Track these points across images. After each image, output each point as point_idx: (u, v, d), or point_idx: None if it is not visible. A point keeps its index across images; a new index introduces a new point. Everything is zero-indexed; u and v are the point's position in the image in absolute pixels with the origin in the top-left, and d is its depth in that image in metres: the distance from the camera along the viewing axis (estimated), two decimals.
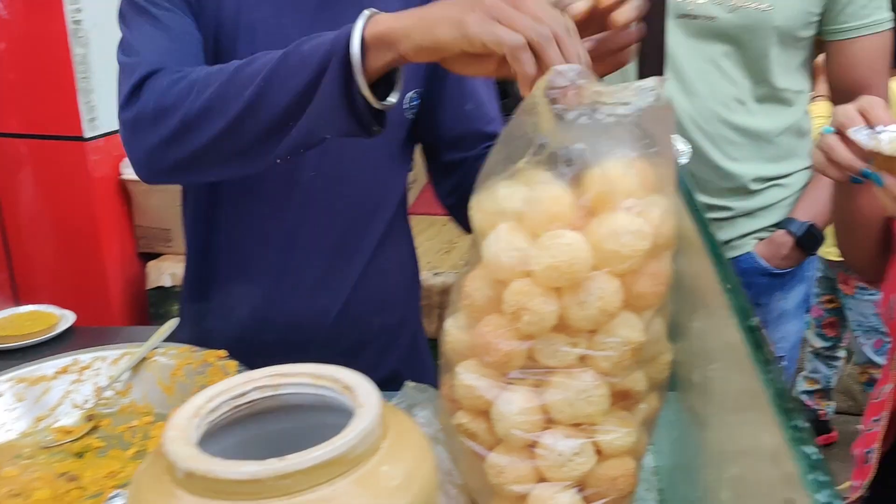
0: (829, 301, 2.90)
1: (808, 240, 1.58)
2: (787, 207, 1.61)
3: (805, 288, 1.68)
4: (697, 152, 1.54)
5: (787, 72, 1.53)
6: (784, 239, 1.59)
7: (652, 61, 0.90)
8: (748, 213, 1.59)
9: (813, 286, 1.78)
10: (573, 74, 0.62)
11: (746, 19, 1.47)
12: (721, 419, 0.64)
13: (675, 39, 1.51)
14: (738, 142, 1.55)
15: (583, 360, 0.70)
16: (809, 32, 1.51)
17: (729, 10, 1.47)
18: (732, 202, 1.58)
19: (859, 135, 0.89)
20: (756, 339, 0.49)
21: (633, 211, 0.70)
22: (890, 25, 1.52)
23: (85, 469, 0.94)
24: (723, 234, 1.60)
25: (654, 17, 0.90)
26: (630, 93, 0.65)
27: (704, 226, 0.70)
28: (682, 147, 1.50)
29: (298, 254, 1.08)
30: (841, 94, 1.59)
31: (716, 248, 0.60)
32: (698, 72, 1.52)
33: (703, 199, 1.57)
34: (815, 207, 1.59)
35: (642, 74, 0.92)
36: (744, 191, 1.57)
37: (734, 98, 1.53)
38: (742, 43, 1.49)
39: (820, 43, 1.57)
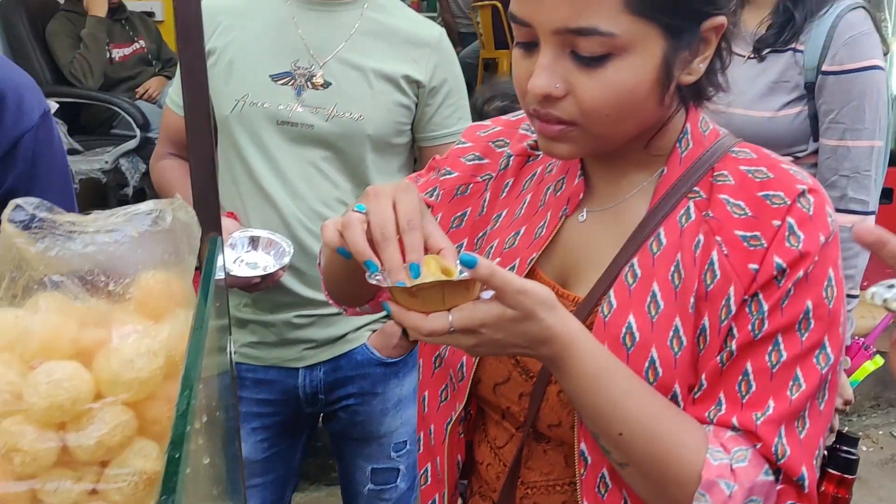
0: None
1: None
2: None
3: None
4: (306, 251, 1.59)
5: (385, 175, 1.64)
6: (393, 329, 1.68)
7: (202, 174, 0.91)
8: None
9: None
10: (31, 208, 0.60)
11: (341, 128, 1.56)
12: None
13: (277, 144, 1.57)
14: None
15: (94, 495, 0.67)
16: (403, 139, 1.64)
17: (325, 118, 1.56)
18: None
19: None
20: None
21: (143, 333, 0.69)
22: None
23: None
24: (337, 328, 1.65)
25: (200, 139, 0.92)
26: (120, 219, 0.64)
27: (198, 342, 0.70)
28: (286, 248, 1.54)
29: None
30: None
31: (191, 372, 0.60)
32: (301, 175, 1.58)
33: (316, 296, 1.62)
34: None
35: (194, 190, 0.92)
36: None
37: (336, 199, 1.60)
38: (339, 149, 1.58)
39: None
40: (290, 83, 1.57)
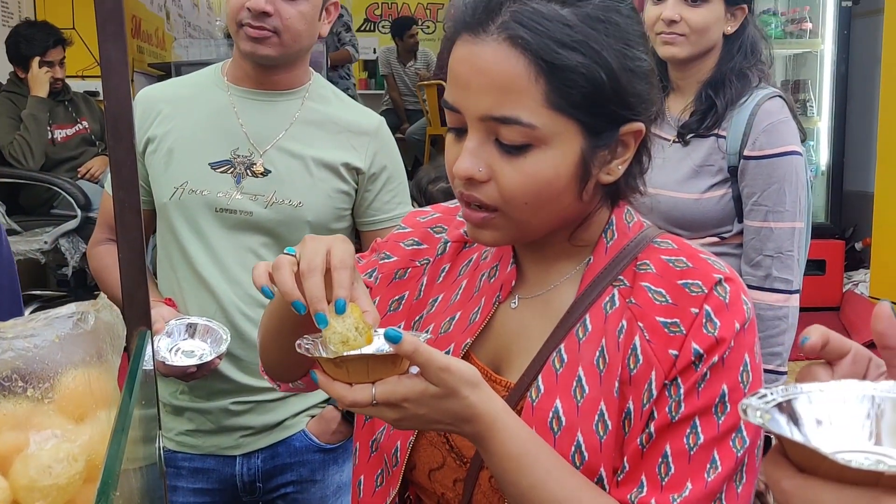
0: None
1: (352, 413, 1.68)
2: None
3: None
4: (244, 337, 1.58)
5: None
6: (332, 414, 1.66)
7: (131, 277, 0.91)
8: (298, 392, 1.65)
9: None
10: None
11: (281, 214, 1.57)
12: None
13: (216, 232, 1.57)
14: None
15: None
16: (343, 224, 1.66)
17: (264, 205, 1.57)
18: None
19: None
20: None
21: (62, 437, 0.68)
22: None
23: None
24: (275, 415, 1.63)
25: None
26: (40, 323, 0.64)
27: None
28: (223, 335, 1.53)
29: None
30: None
31: (108, 479, 0.59)
32: (239, 261, 1.58)
33: (253, 382, 1.60)
34: None
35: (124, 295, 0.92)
36: None
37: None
38: (278, 235, 1.58)
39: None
40: (230, 171, 1.58)
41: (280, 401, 1.63)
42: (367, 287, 1.05)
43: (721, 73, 1.84)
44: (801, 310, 1.86)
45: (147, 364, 0.92)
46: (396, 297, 1.07)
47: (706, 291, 0.88)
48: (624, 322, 0.90)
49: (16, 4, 4.96)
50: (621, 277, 0.92)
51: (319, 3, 1.58)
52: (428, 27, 9.35)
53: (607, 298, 0.92)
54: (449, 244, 1.07)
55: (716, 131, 1.84)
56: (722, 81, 1.83)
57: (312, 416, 1.67)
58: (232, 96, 1.61)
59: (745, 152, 1.80)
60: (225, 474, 1.64)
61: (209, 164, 1.57)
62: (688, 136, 1.86)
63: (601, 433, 0.87)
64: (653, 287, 0.90)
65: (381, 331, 0.81)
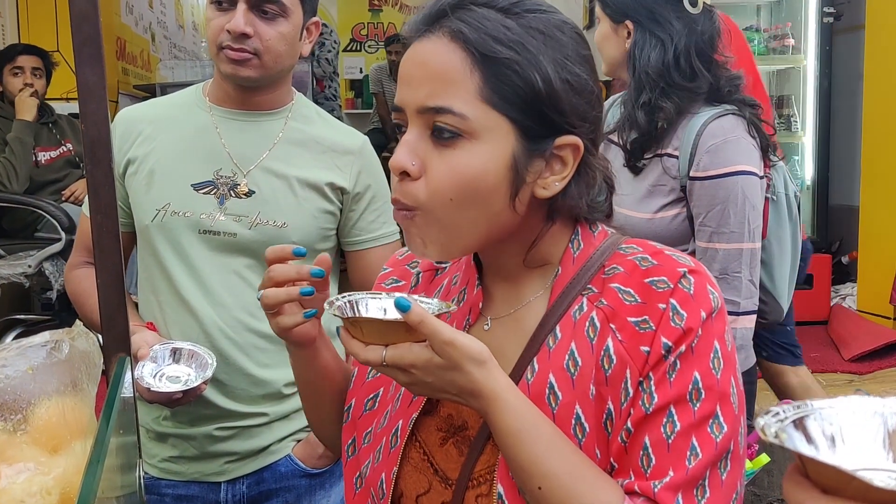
0: None
1: None
2: None
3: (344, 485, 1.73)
4: (228, 362, 1.56)
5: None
6: (318, 438, 1.64)
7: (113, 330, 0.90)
8: (284, 417, 1.63)
9: None
10: None
11: (265, 235, 1.55)
12: None
13: (199, 253, 1.55)
14: (268, 348, 1.59)
15: None
16: (328, 245, 1.65)
17: (248, 226, 1.56)
18: (268, 408, 1.61)
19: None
20: None
21: (35, 470, 0.66)
22: (397, 237, 1.71)
23: None
24: (260, 440, 1.61)
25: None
26: (13, 353, 0.62)
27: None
28: (209, 360, 1.51)
29: None
30: None
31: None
32: (223, 283, 1.56)
33: (238, 407, 1.58)
34: None
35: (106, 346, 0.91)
36: (278, 395, 1.61)
37: (259, 307, 1.58)
38: (263, 256, 1.56)
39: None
40: (213, 192, 1.56)
41: (265, 426, 1.61)
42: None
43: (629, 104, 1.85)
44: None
45: (126, 391, 0.90)
46: None
47: (671, 286, 0.89)
48: (597, 323, 0.91)
49: None
50: (590, 286, 0.94)
51: (300, 23, 1.58)
52: None
53: (576, 307, 0.93)
54: (421, 274, 1.10)
55: (667, 151, 1.83)
56: (631, 114, 1.84)
57: (298, 441, 1.65)
58: (214, 116, 1.60)
59: (691, 173, 1.78)
60: (209, 501, 1.61)
61: (191, 185, 1.55)
62: (638, 164, 1.87)
63: (580, 436, 0.89)
64: (622, 287, 0.91)
65: (395, 297, 0.84)
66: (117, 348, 0.93)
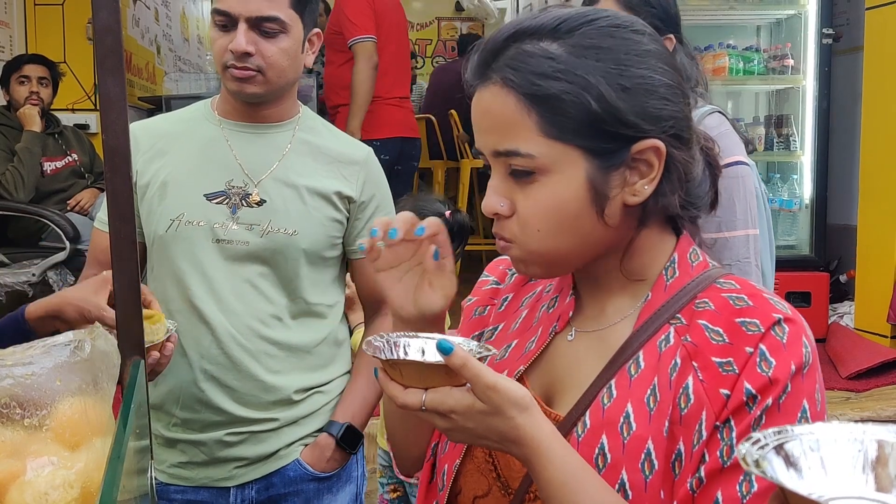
0: (394, 490, 3.06)
1: (348, 439, 1.68)
2: (328, 412, 1.70)
3: (354, 488, 1.75)
4: (240, 368, 1.59)
5: (319, 288, 1.66)
6: (326, 441, 1.66)
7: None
8: (293, 422, 1.65)
9: (365, 485, 1.87)
10: None
11: (276, 243, 1.59)
12: None
13: (213, 262, 1.59)
14: (279, 355, 1.62)
15: None
16: (335, 252, 1.68)
17: (260, 235, 1.59)
18: (278, 413, 1.64)
19: None
20: None
21: (58, 464, 0.68)
22: None
23: None
24: (269, 445, 1.63)
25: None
26: (38, 351, 0.65)
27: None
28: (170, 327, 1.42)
29: None
30: (367, 304, 1.79)
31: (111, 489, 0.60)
32: (235, 291, 1.59)
33: (248, 413, 1.61)
34: (352, 408, 1.70)
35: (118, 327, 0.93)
36: (287, 401, 1.64)
37: (271, 315, 1.62)
38: (274, 264, 1.60)
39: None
40: (225, 202, 1.60)
41: (274, 431, 1.64)
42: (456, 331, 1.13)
43: None
44: None
45: (141, 394, 0.92)
46: (476, 333, 1.11)
47: (763, 331, 0.85)
48: (678, 360, 0.89)
49: (7, 39, 4.99)
50: (679, 315, 0.91)
51: (301, 37, 1.62)
52: (417, 62, 9.46)
53: (663, 336, 0.91)
54: (514, 276, 1.11)
55: None
56: None
57: (306, 445, 1.67)
58: (224, 129, 1.64)
59: None
60: None
61: (204, 195, 1.59)
62: None
63: (647, 472, 0.86)
64: (710, 325, 0.88)
65: (437, 338, 0.84)
66: (132, 352, 0.95)
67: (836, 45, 4.46)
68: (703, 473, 0.84)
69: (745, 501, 0.83)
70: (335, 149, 1.69)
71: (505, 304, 1.09)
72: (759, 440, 0.59)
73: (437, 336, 0.87)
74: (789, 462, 0.58)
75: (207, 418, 1.60)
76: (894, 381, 3.58)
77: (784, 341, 0.85)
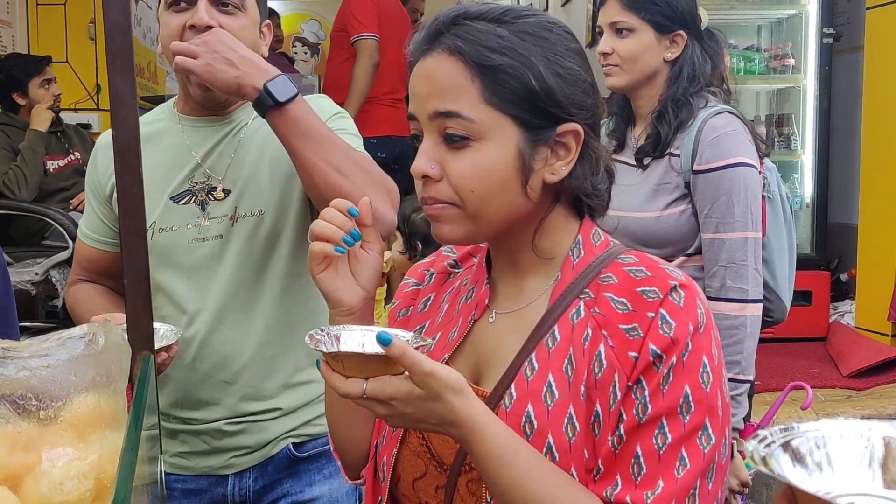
0: None
1: None
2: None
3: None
4: (233, 362, 1.59)
5: (301, 261, 1.61)
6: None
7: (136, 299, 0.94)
8: (292, 411, 1.65)
9: None
10: None
11: (247, 228, 1.58)
12: None
13: (193, 262, 1.59)
14: (270, 341, 1.61)
15: None
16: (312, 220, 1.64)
17: (231, 224, 1.58)
18: (277, 402, 1.64)
19: None
20: None
21: (73, 456, 0.70)
22: None
23: None
24: (268, 433, 1.64)
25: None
26: (54, 343, 0.66)
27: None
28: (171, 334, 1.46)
29: None
30: None
31: (121, 496, 0.61)
32: (219, 286, 1.58)
33: (247, 406, 1.62)
34: None
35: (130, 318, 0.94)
36: (285, 386, 1.64)
37: (257, 302, 1.60)
38: (250, 251, 1.58)
39: None
40: (193, 200, 1.60)
41: (272, 421, 1.64)
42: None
43: (663, 101, 1.92)
44: (790, 340, 1.88)
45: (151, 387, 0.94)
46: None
47: (661, 297, 0.95)
48: (589, 331, 0.97)
49: (10, 38, 5.00)
50: (587, 290, 1.00)
51: (257, 20, 1.60)
52: None
53: (574, 310, 0.99)
54: (434, 276, 1.18)
55: (669, 151, 1.91)
56: (663, 110, 1.91)
57: (301, 434, 1.68)
58: (183, 127, 1.64)
59: (694, 167, 1.87)
60: (217, 495, 1.65)
61: (171, 197, 1.59)
62: (644, 161, 1.94)
63: (570, 435, 0.94)
64: (615, 297, 0.97)
65: (377, 331, 0.87)
66: (142, 346, 0.96)
67: (837, 44, 4.47)
68: (622, 431, 0.93)
69: (661, 452, 0.92)
70: None
71: (428, 304, 1.16)
72: (765, 437, 0.60)
73: (375, 328, 0.92)
74: (796, 459, 0.59)
75: (207, 415, 1.61)
76: (895, 379, 3.59)
77: (681, 305, 0.94)
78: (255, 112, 1.58)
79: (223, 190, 1.59)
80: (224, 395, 1.61)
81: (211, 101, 1.61)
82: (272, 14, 5.78)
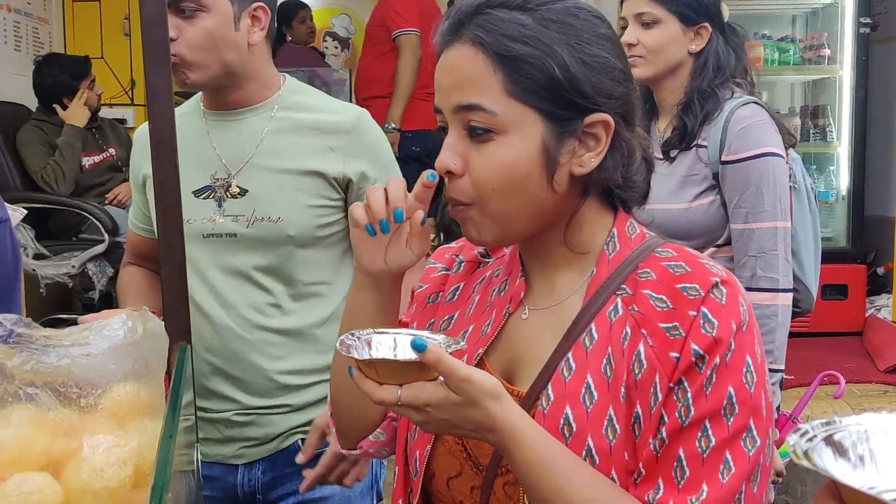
0: None
1: None
2: None
3: (369, 476, 1.75)
4: (242, 359, 1.61)
5: (317, 269, 1.64)
6: (324, 421, 1.64)
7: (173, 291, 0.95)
8: (301, 408, 1.66)
9: (383, 474, 1.88)
10: (9, 324, 0.63)
11: (262, 232, 1.58)
12: None
13: (206, 258, 1.61)
14: (279, 341, 1.63)
15: None
16: (331, 231, 1.64)
17: (246, 224, 1.59)
18: (286, 399, 1.65)
19: None
20: None
21: (113, 443, 0.71)
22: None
23: None
24: (278, 426, 1.64)
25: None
26: (93, 332, 0.67)
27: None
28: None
29: None
30: None
31: (160, 483, 0.62)
32: (229, 284, 1.61)
33: (256, 401, 1.63)
34: None
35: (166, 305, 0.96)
36: (294, 387, 1.65)
37: (268, 303, 1.62)
38: (265, 253, 1.60)
39: None
40: (212, 196, 1.61)
41: (284, 415, 1.65)
42: (406, 321, 1.14)
43: (689, 93, 1.91)
44: (826, 335, 1.87)
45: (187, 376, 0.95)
46: (430, 321, 1.13)
47: (703, 294, 0.91)
48: (628, 329, 0.94)
49: (46, 35, 5.08)
50: (624, 286, 0.96)
51: (229, 13, 1.55)
52: None
53: (611, 307, 0.96)
54: (463, 264, 1.14)
55: (696, 142, 1.90)
56: (689, 102, 1.90)
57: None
58: (207, 121, 1.65)
59: (723, 158, 1.86)
60: (228, 483, 1.67)
61: (192, 192, 1.61)
62: (672, 153, 1.92)
63: (610, 437, 0.91)
64: (654, 294, 0.94)
65: (409, 335, 0.87)
66: (179, 336, 0.98)
67: (874, 34, 4.39)
68: (664, 434, 0.90)
69: (704, 456, 0.89)
70: (321, 119, 1.62)
71: (457, 293, 1.12)
72: (807, 432, 0.59)
73: (405, 331, 0.90)
74: (839, 453, 0.58)
75: (218, 405, 1.64)
76: None
77: (723, 302, 0.91)
78: (281, 106, 1.60)
79: (239, 189, 1.60)
80: (232, 389, 1.63)
81: (219, 97, 1.62)
82: (304, 7, 5.76)
